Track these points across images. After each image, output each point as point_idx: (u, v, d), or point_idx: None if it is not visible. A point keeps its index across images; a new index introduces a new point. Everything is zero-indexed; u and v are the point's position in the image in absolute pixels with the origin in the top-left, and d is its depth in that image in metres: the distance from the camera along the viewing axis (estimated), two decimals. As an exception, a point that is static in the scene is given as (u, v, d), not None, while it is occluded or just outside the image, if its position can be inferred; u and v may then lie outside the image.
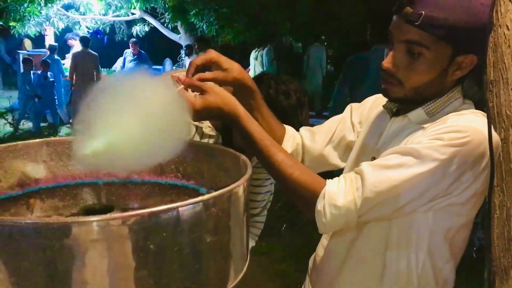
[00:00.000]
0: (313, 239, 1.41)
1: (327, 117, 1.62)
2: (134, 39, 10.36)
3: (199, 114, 1.06)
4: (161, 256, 0.75)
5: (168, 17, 9.95)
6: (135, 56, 9.59)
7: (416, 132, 1.10)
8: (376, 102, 1.32)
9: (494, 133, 1.04)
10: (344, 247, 1.21)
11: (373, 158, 1.13)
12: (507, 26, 1.26)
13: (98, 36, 10.57)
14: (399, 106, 1.20)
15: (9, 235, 0.68)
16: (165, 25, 10.48)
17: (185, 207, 0.76)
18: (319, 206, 1.05)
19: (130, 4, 9.89)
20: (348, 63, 3.87)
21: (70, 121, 8.58)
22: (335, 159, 1.33)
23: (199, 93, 1.08)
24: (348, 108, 1.38)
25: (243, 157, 1.03)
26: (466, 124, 1.03)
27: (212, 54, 1.12)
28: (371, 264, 1.17)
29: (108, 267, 0.71)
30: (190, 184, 1.17)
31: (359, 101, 1.37)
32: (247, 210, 0.94)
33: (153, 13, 10.42)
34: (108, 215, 0.70)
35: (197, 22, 9.17)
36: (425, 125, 1.10)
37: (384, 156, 1.07)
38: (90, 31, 10.93)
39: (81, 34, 9.85)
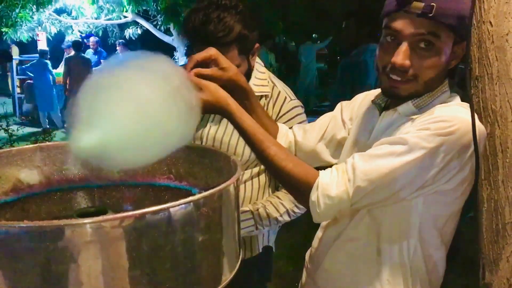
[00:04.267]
0: (311, 238, 1.44)
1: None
2: (121, 41, 10.34)
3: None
4: (154, 256, 0.77)
5: (160, 19, 9.93)
6: (124, 58, 9.57)
7: (405, 124, 1.13)
8: (365, 99, 1.34)
9: (479, 124, 1.06)
10: (337, 236, 1.24)
11: None
12: (490, 22, 1.29)
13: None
14: (388, 101, 1.22)
15: (4, 239, 0.69)
16: (157, 28, 10.44)
17: (176, 207, 0.77)
18: (313, 197, 1.08)
19: (122, 7, 9.86)
20: (343, 66, 3.82)
21: (65, 125, 8.59)
22: (327, 156, 1.36)
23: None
24: (338, 106, 1.40)
25: (233, 157, 1.05)
26: (452, 114, 1.06)
27: (212, 51, 1.16)
28: (365, 251, 1.20)
29: (102, 268, 0.73)
30: (183, 185, 1.19)
31: None
32: (238, 209, 0.96)
33: (146, 15, 10.40)
34: (100, 217, 0.72)
35: (190, 24, 9.15)
36: (413, 117, 1.12)
37: (374, 147, 1.10)
38: (83, 35, 10.90)
39: (73, 39, 9.85)
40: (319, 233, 1.36)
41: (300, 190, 1.11)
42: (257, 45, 1.58)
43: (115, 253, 0.74)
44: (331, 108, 1.53)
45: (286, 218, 1.67)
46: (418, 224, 1.13)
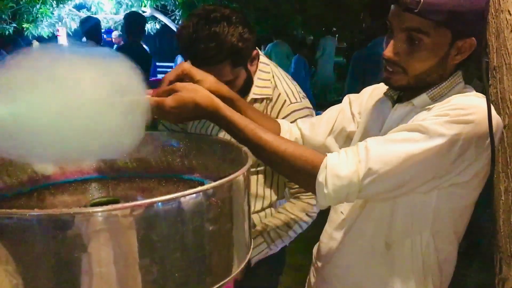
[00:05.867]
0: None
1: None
2: (117, 32, 10.29)
3: (174, 114, 1.03)
4: (163, 245, 0.77)
5: (178, 14, 9.96)
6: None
7: (420, 113, 1.11)
8: (374, 93, 1.32)
9: (495, 115, 1.04)
10: (347, 231, 1.23)
11: None
12: (509, 11, 1.26)
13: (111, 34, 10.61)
14: (400, 93, 1.20)
15: (17, 227, 0.70)
16: (175, 22, 10.48)
17: (187, 197, 0.78)
18: (321, 177, 1.03)
19: (141, 2, 9.92)
20: (355, 58, 3.78)
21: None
22: (336, 150, 1.34)
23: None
24: (346, 99, 1.38)
25: (245, 148, 1.05)
26: (471, 103, 1.05)
27: (184, 66, 1.12)
28: (374, 245, 1.19)
29: (113, 256, 0.74)
30: (195, 176, 1.19)
31: None
32: (248, 200, 0.95)
33: (164, 10, 10.44)
34: (111, 206, 0.72)
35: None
36: (429, 107, 1.10)
37: (389, 133, 1.07)
38: (102, 30, 11.00)
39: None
40: (327, 228, 1.35)
41: (306, 170, 1.05)
42: (255, 51, 1.50)
43: (126, 241, 0.75)
44: None
45: (299, 231, 1.62)
46: (432, 218, 1.11)
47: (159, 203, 0.75)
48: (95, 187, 1.21)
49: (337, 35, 11.62)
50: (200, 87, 1.06)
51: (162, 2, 9.91)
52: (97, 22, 5.81)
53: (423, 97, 1.13)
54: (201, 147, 1.19)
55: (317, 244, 1.40)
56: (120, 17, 10.92)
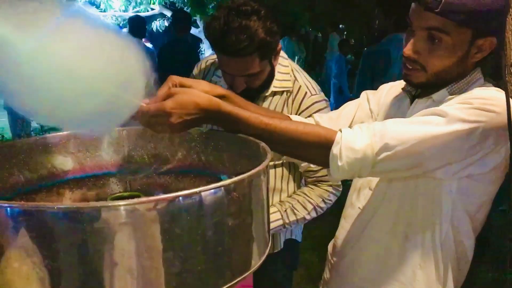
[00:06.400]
0: (335, 228, 1.43)
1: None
2: (125, 29, 10.38)
3: (176, 115, 0.97)
4: (185, 239, 0.78)
5: (187, 11, 9.99)
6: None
7: (441, 105, 1.11)
8: (391, 90, 1.34)
9: None
10: (365, 226, 1.24)
11: None
12: (526, 8, 1.25)
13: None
14: (418, 90, 1.21)
15: (44, 220, 0.72)
16: (184, 19, 10.52)
17: (207, 191, 0.79)
18: (335, 149, 1.04)
19: (150, 0, 9.97)
20: (365, 55, 3.80)
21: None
22: None
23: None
24: (364, 95, 1.39)
25: (263, 144, 1.06)
26: (493, 95, 1.06)
27: (173, 78, 1.07)
28: (392, 238, 1.20)
29: (135, 249, 0.75)
30: (213, 172, 1.21)
31: None
32: (268, 195, 0.96)
33: (172, 7, 10.48)
34: (135, 200, 0.74)
35: (216, 16, 9.18)
36: (449, 98, 1.12)
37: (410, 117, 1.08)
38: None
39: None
40: (344, 224, 1.36)
41: (320, 144, 1.05)
42: (279, 46, 1.55)
43: (150, 235, 0.76)
44: (357, 97, 1.51)
45: (313, 215, 1.67)
46: (451, 210, 1.13)
47: (182, 197, 0.76)
48: (113, 182, 1.23)
49: (345, 32, 11.60)
50: (195, 90, 1.04)
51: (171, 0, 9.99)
52: (142, 20, 6.23)
53: (442, 92, 1.14)
54: (218, 143, 1.20)
55: (332, 240, 1.41)
56: (129, 14, 11.00)
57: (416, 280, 1.19)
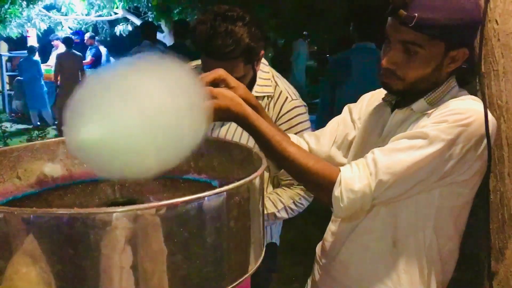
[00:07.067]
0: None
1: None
2: (90, 33, 10.28)
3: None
4: (189, 242, 0.80)
5: (151, 16, 9.91)
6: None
7: (421, 119, 1.18)
8: (372, 98, 1.39)
9: (491, 116, 1.13)
10: (353, 229, 1.29)
11: None
12: (496, 21, 1.33)
13: (80, 36, 10.46)
14: (398, 98, 1.27)
15: (51, 225, 0.72)
16: (148, 24, 10.41)
17: (212, 196, 0.81)
18: (336, 192, 1.11)
19: (113, 4, 9.84)
20: (331, 63, 3.89)
21: (56, 122, 8.53)
22: (341, 158, 1.41)
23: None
24: (346, 108, 1.45)
25: (256, 149, 1.09)
26: (468, 107, 1.13)
27: (220, 71, 1.16)
28: (381, 243, 1.25)
29: (142, 252, 0.76)
30: (202, 178, 1.22)
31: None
32: (263, 199, 0.99)
33: (136, 12, 10.37)
34: (144, 205, 0.75)
35: (182, 20, 9.16)
36: (428, 112, 1.18)
37: (393, 142, 1.14)
38: (73, 31, 10.85)
39: (63, 35, 9.80)
40: (332, 227, 1.40)
41: (323, 186, 1.13)
42: (262, 52, 1.59)
43: (154, 239, 0.77)
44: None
45: (284, 215, 1.71)
46: (434, 216, 1.18)
47: (189, 202, 0.78)
48: (102, 189, 1.23)
49: (308, 39, 11.77)
50: (235, 96, 1.11)
51: (135, 4, 9.88)
52: (153, 25, 6.55)
53: (421, 102, 1.20)
54: (208, 149, 1.22)
55: (321, 242, 1.45)
56: (92, 18, 10.82)
57: (400, 284, 1.24)
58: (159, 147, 0.85)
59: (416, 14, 1.09)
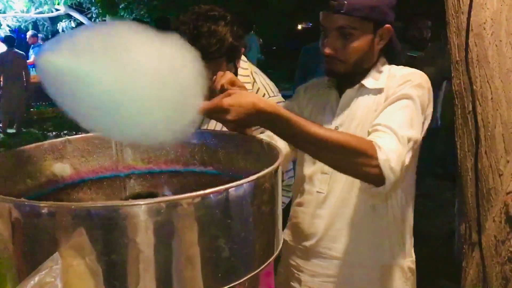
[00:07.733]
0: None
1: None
2: (32, 31, 9.97)
3: (233, 112, 1.02)
4: (232, 225, 0.85)
5: (95, 11, 9.67)
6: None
7: (376, 96, 1.35)
8: (307, 90, 1.51)
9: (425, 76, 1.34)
10: (331, 205, 1.41)
11: (336, 128, 1.36)
12: (468, 12, 1.45)
13: (21, 35, 10.04)
14: (341, 82, 1.41)
15: (89, 217, 0.75)
16: (92, 20, 10.15)
17: (248, 183, 0.86)
18: (381, 155, 1.11)
19: (54, 0, 9.50)
20: (302, 52, 4.00)
21: (0, 125, 8.16)
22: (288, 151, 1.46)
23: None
24: (286, 105, 1.51)
25: (265, 140, 1.13)
26: (411, 71, 1.36)
27: (230, 75, 1.18)
28: (360, 211, 1.38)
29: (172, 243, 0.79)
30: (208, 170, 1.26)
31: None
32: (280, 186, 1.05)
33: (79, 8, 10.07)
34: (178, 196, 0.79)
35: (127, 16, 9.00)
36: (377, 87, 1.35)
37: (384, 111, 1.26)
38: (12, 29, 10.40)
39: (2, 34, 9.38)
40: (306, 210, 1.46)
41: (365, 156, 1.11)
42: (243, 49, 1.62)
43: (187, 228, 0.81)
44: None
45: None
46: (404, 176, 1.26)
47: (231, 189, 0.83)
48: (109, 185, 1.24)
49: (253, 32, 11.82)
50: (252, 92, 1.16)
51: (78, 0, 9.60)
52: (167, 21, 6.19)
53: (368, 79, 1.37)
54: (212, 142, 1.26)
55: (287, 229, 1.52)
56: (31, 15, 10.38)
57: (382, 247, 1.39)
58: (165, 108, 0.87)
59: (346, 2, 1.26)
